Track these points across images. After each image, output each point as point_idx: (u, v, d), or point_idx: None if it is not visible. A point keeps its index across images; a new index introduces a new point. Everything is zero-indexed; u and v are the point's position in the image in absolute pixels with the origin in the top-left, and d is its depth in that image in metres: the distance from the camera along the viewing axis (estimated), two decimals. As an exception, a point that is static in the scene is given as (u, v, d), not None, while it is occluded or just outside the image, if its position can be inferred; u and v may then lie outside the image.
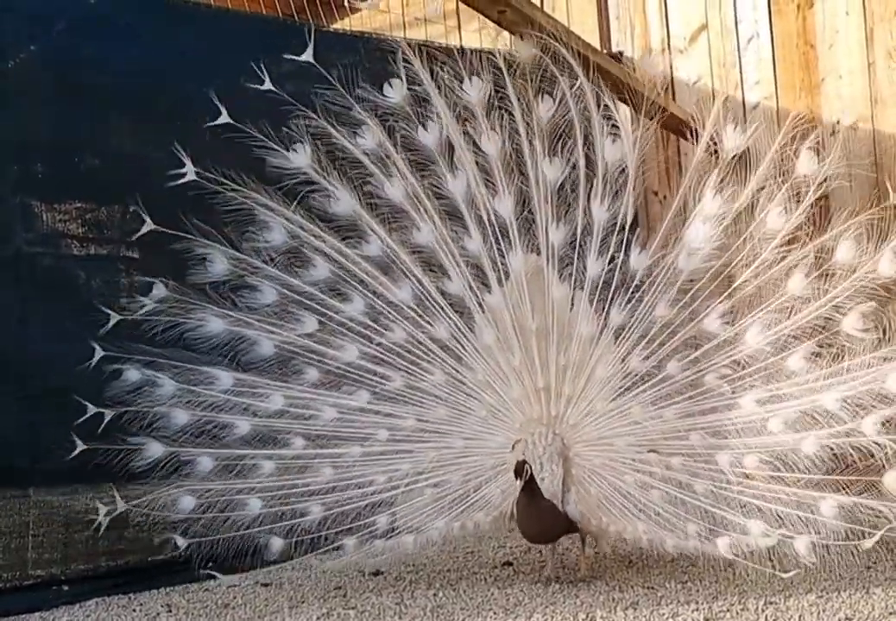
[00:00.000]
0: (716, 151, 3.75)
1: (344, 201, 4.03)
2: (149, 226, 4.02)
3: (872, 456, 3.37)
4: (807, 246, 3.58)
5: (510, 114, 3.95)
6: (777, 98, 5.22)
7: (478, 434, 3.94)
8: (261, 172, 3.98)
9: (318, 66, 3.95)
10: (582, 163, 3.88)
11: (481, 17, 4.34)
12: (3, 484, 3.93)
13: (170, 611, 3.75)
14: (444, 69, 3.96)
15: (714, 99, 3.80)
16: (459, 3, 4.73)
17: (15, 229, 4.03)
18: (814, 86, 5.13)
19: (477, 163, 3.97)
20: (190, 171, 3.98)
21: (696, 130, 3.80)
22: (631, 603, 3.48)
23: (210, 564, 3.99)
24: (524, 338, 3.89)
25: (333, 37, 4.72)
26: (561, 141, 3.91)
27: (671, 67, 5.52)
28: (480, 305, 3.96)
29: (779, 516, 3.47)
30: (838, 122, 4.98)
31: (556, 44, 3.89)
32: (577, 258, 3.87)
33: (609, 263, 3.84)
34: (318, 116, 3.97)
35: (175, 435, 3.92)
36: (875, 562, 3.72)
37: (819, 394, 3.49)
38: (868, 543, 3.32)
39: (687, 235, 3.76)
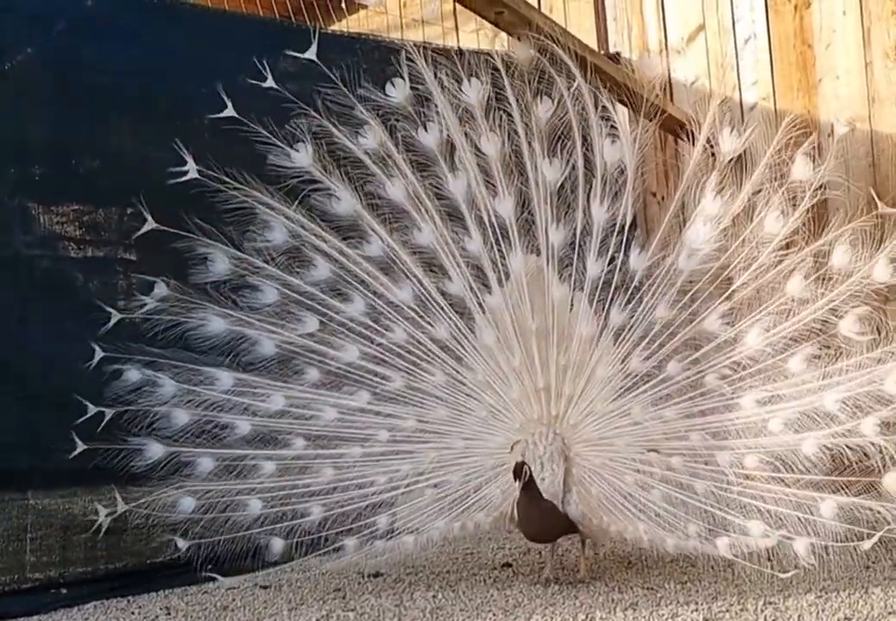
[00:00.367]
0: (713, 153, 3.76)
1: (345, 201, 4.03)
2: (150, 224, 4.02)
3: (869, 457, 3.38)
4: (804, 250, 3.59)
5: (509, 115, 3.95)
6: (774, 98, 5.23)
7: (478, 434, 3.94)
8: (262, 172, 3.98)
9: (320, 64, 3.95)
10: (581, 163, 3.89)
11: (478, 18, 4.34)
12: (2, 486, 3.92)
13: (169, 614, 3.75)
14: (443, 70, 3.96)
15: (711, 100, 3.78)
16: (457, 4, 4.73)
17: (14, 231, 4.02)
18: (811, 86, 5.13)
19: (477, 164, 3.97)
20: (192, 169, 3.98)
21: (692, 132, 3.80)
22: (630, 604, 3.48)
23: (210, 566, 3.98)
24: (524, 338, 3.90)
25: (331, 38, 4.71)
26: (560, 142, 3.91)
27: (668, 68, 5.52)
28: (481, 306, 3.96)
29: (778, 517, 3.47)
30: (836, 119, 4.98)
31: (554, 45, 3.89)
32: (577, 259, 3.88)
33: (609, 264, 3.84)
34: (320, 116, 3.97)
35: (175, 435, 3.92)
36: (874, 562, 3.72)
37: (818, 396, 3.49)
38: (867, 544, 3.32)
39: (687, 236, 3.77)
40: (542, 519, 3.69)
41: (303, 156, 4.01)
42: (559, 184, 3.90)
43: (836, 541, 3.34)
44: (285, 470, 3.98)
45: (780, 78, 5.22)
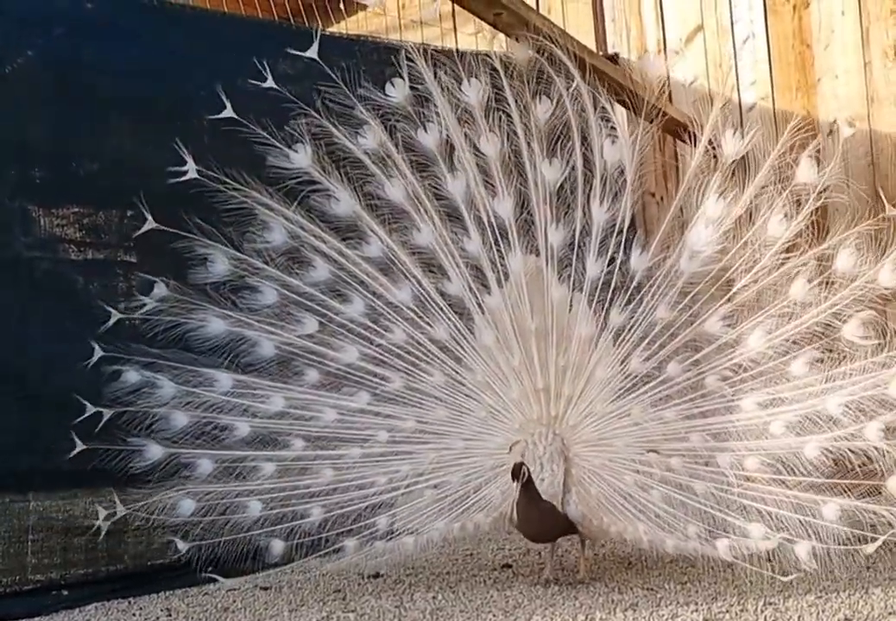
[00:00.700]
0: (715, 155, 3.76)
1: (344, 202, 4.03)
2: (150, 224, 4.02)
3: (872, 461, 3.38)
4: (806, 253, 3.60)
5: (508, 115, 3.95)
6: (773, 98, 5.22)
7: (477, 435, 3.94)
8: (261, 172, 3.98)
9: (320, 63, 3.95)
10: (580, 164, 3.89)
11: (477, 19, 4.34)
12: (3, 488, 3.92)
13: (169, 615, 3.74)
14: (443, 71, 3.96)
15: (711, 100, 3.79)
16: (455, 5, 4.74)
17: (14, 233, 4.02)
18: (810, 86, 5.13)
19: (477, 164, 3.97)
20: (191, 170, 3.98)
21: (693, 134, 3.80)
22: (630, 605, 3.48)
23: (210, 568, 3.98)
24: (523, 338, 3.90)
25: (330, 40, 4.71)
26: (559, 142, 3.91)
27: (667, 68, 5.51)
28: (480, 306, 3.96)
29: (779, 519, 3.47)
30: (835, 122, 4.98)
31: (552, 46, 3.89)
32: (577, 259, 3.88)
33: (608, 264, 3.84)
34: (320, 117, 3.98)
35: (175, 436, 3.92)
36: (874, 563, 3.73)
37: (821, 399, 3.49)
38: (870, 548, 3.33)
39: (689, 238, 3.77)
40: (542, 519, 3.69)
41: (302, 157, 4.01)
42: (558, 184, 3.91)
43: (838, 544, 3.34)
44: (285, 471, 3.98)
45: (779, 78, 5.21)
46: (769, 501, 3.51)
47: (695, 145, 3.79)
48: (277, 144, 3.97)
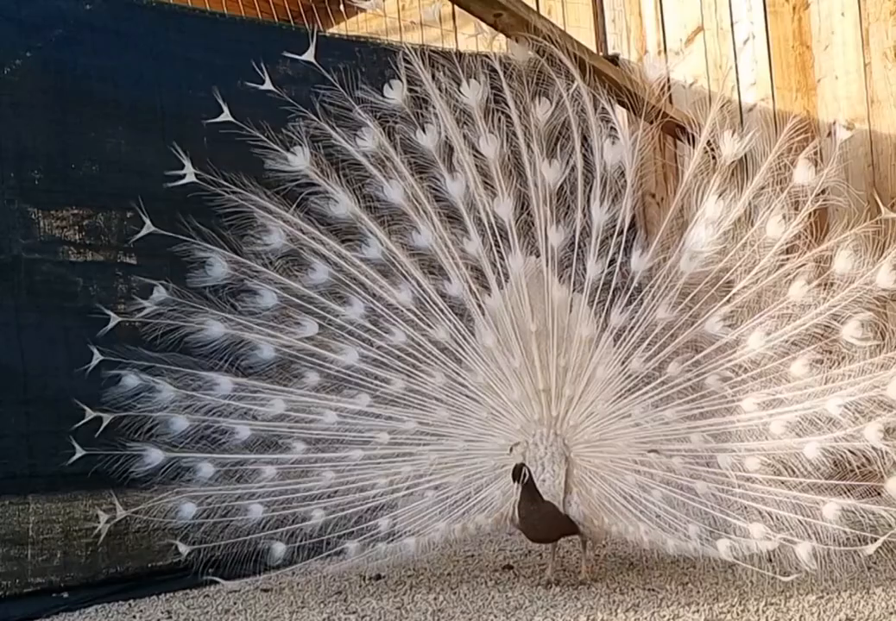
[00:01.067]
0: (714, 156, 3.76)
1: (343, 204, 4.03)
2: (148, 228, 4.02)
3: (871, 462, 3.38)
4: (805, 255, 3.59)
5: (508, 116, 3.95)
6: (773, 99, 5.22)
7: (479, 436, 3.95)
8: (260, 175, 3.98)
9: (318, 66, 3.96)
10: (580, 165, 3.89)
11: (477, 20, 4.33)
12: (3, 491, 3.92)
13: (170, 618, 3.75)
14: (442, 72, 3.96)
15: (711, 101, 3.79)
16: (455, 6, 4.73)
17: (13, 236, 4.02)
18: (810, 87, 5.13)
19: (476, 165, 3.97)
20: (189, 173, 3.98)
21: (692, 136, 3.80)
22: (632, 605, 3.48)
23: (211, 570, 3.98)
24: (524, 339, 3.90)
25: (330, 41, 4.71)
26: (559, 143, 3.91)
27: (667, 70, 5.51)
28: (480, 307, 3.96)
29: (780, 520, 3.47)
30: (834, 123, 4.98)
31: (552, 47, 3.89)
32: (577, 260, 3.88)
33: (609, 265, 3.84)
34: (318, 119, 3.98)
35: (175, 440, 3.92)
36: (875, 563, 3.70)
37: (821, 400, 3.49)
38: (870, 549, 3.33)
39: (689, 238, 3.77)
40: (543, 520, 3.69)
41: (300, 160, 4.01)
42: (558, 185, 3.90)
43: (839, 545, 3.34)
44: (286, 474, 3.98)
45: (779, 79, 5.20)
46: (769, 502, 3.51)
47: (694, 146, 3.79)
48: (276, 147, 3.96)
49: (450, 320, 3.97)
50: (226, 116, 4.00)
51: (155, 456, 3.91)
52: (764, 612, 3.30)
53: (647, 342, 3.80)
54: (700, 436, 3.71)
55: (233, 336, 4.00)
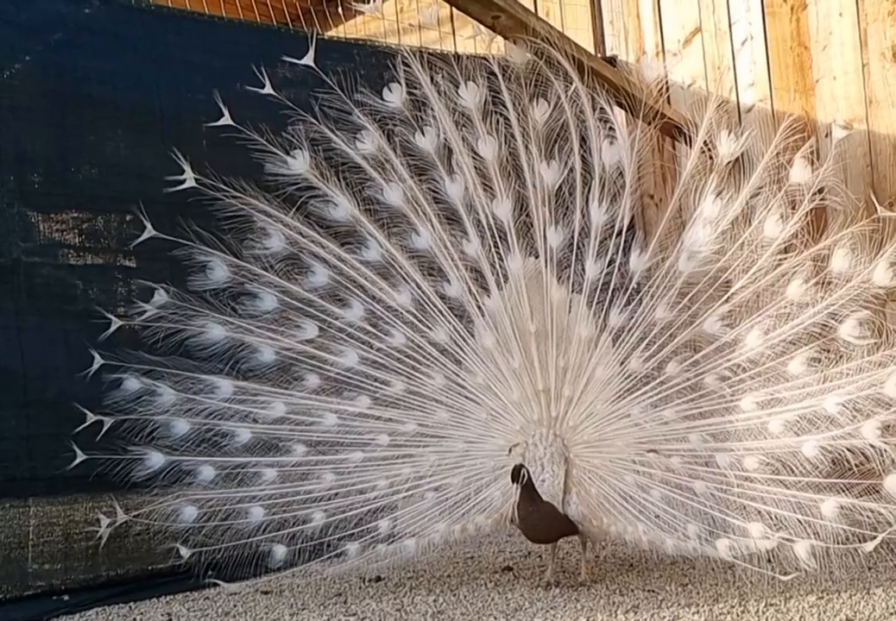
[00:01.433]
0: (711, 156, 3.77)
1: (342, 206, 4.04)
2: (149, 232, 4.03)
3: (870, 460, 3.38)
4: (803, 254, 3.60)
5: (506, 118, 3.96)
6: (772, 100, 5.22)
7: (478, 437, 3.95)
8: (259, 179, 3.99)
9: (317, 70, 3.97)
10: (579, 166, 3.89)
11: (475, 22, 4.34)
12: (3, 494, 3.92)
13: (170, 620, 3.74)
14: (440, 74, 3.97)
15: (709, 102, 3.79)
16: (453, 9, 4.74)
17: (13, 239, 4.03)
18: (808, 87, 5.12)
19: (475, 167, 3.98)
20: (189, 178, 3.99)
21: (689, 136, 3.81)
22: (632, 607, 3.48)
23: (210, 572, 3.99)
24: (523, 340, 3.91)
25: (328, 44, 4.72)
26: (557, 144, 3.92)
27: (665, 71, 5.51)
28: (480, 309, 3.97)
29: (779, 518, 3.47)
30: (834, 121, 4.97)
31: (551, 48, 3.90)
32: (576, 261, 3.88)
33: (608, 266, 3.85)
34: (318, 122, 3.98)
35: (176, 444, 3.93)
36: (875, 563, 3.71)
37: (819, 399, 3.50)
38: (870, 546, 3.32)
39: (687, 238, 3.77)
40: (542, 520, 3.69)
41: (300, 163, 4.02)
42: (557, 186, 3.91)
43: (838, 543, 3.34)
44: (286, 476, 3.99)
45: (777, 80, 5.20)
46: (768, 500, 3.51)
47: (691, 146, 3.79)
48: (275, 150, 3.97)
49: (449, 322, 3.98)
50: (226, 120, 4.01)
51: (156, 459, 3.92)
52: (764, 613, 3.30)
53: (645, 342, 3.80)
54: (699, 436, 3.71)
55: (233, 339, 4.00)
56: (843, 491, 3.40)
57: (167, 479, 3.92)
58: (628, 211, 3.86)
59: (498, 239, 3.95)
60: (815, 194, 3.60)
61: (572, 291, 3.89)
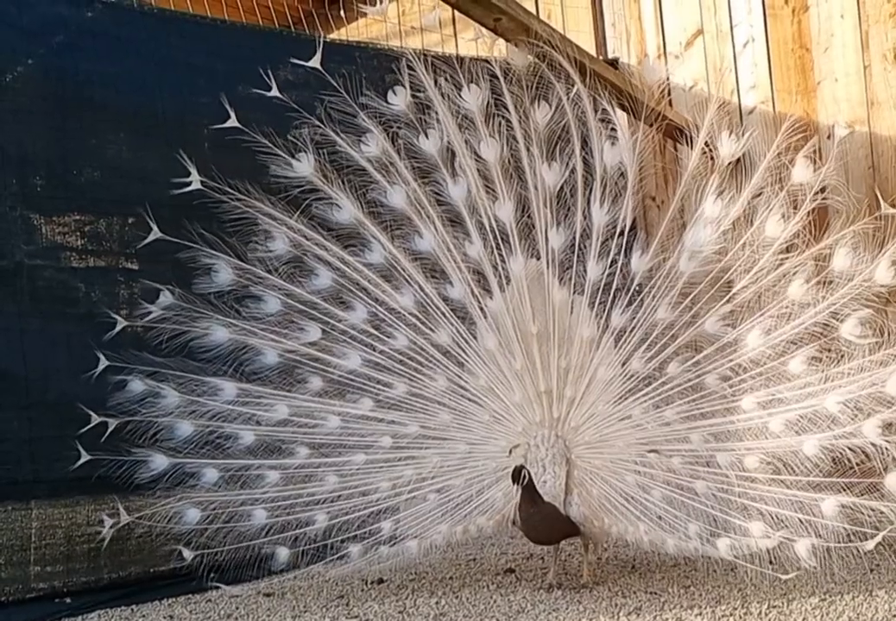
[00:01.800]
0: (712, 157, 3.77)
1: (346, 209, 4.05)
2: (155, 234, 4.04)
3: (870, 458, 3.38)
4: (804, 253, 3.60)
5: (508, 120, 3.96)
6: (773, 102, 5.22)
7: (481, 438, 3.96)
8: (262, 181, 4.00)
9: (324, 73, 3.98)
10: (580, 167, 3.90)
11: (477, 25, 4.34)
12: (5, 497, 3.92)
13: (172, 622, 3.76)
14: (443, 77, 3.98)
15: (710, 104, 3.79)
16: (455, 12, 4.74)
17: (15, 242, 4.03)
18: (810, 89, 5.12)
19: (477, 169, 3.98)
20: (195, 180, 4.00)
21: (690, 138, 3.81)
22: (634, 609, 3.48)
23: (213, 575, 3.99)
24: (525, 342, 3.91)
25: (331, 47, 4.71)
26: (559, 146, 3.92)
27: (667, 73, 5.51)
28: (482, 310, 3.97)
29: (779, 518, 3.47)
30: (836, 122, 4.98)
31: (552, 51, 3.91)
32: (577, 262, 3.89)
33: (609, 267, 3.85)
34: (322, 125, 3.99)
35: (179, 446, 3.93)
36: (878, 565, 3.71)
37: (820, 398, 3.50)
38: (870, 544, 3.32)
39: (688, 238, 3.78)
40: (544, 521, 3.69)
41: (304, 166, 4.03)
42: (558, 187, 3.91)
43: (838, 542, 3.33)
44: (289, 479, 4.00)
45: (779, 81, 5.20)
46: (769, 500, 3.51)
47: (692, 148, 3.79)
48: (279, 152, 3.98)
49: (452, 324, 3.99)
50: (233, 122, 4.01)
51: (159, 461, 3.93)
52: (766, 615, 3.30)
53: (647, 343, 3.81)
54: (700, 436, 3.72)
55: (237, 341, 4.01)
56: (844, 489, 3.40)
57: (170, 482, 3.92)
58: (630, 212, 3.87)
59: (500, 240, 3.96)
60: (816, 194, 3.60)
61: (574, 292, 3.89)
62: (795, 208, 3.62)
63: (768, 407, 3.60)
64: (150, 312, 4.01)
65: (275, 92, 4.04)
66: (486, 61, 4.03)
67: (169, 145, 4.15)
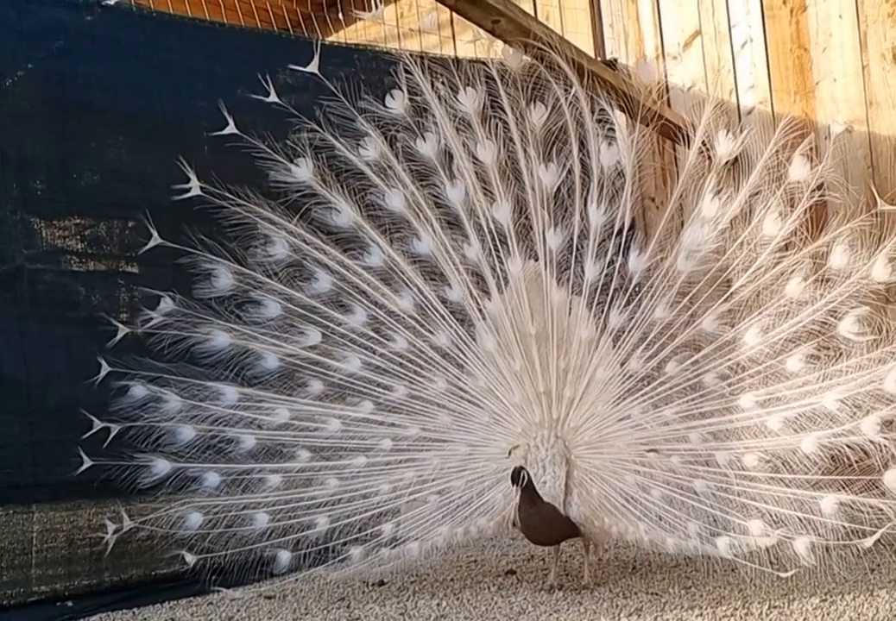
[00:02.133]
0: (709, 156, 3.77)
1: (345, 213, 4.05)
2: (155, 240, 4.05)
3: (869, 456, 3.37)
4: (801, 251, 3.60)
5: (505, 122, 3.96)
6: (772, 102, 5.22)
7: (481, 440, 3.96)
8: (261, 184, 4.00)
9: (322, 78, 3.98)
10: (578, 168, 3.90)
11: (475, 27, 4.35)
12: (6, 500, 3.93)
13: (174, 625, 3.76)
14: (440, 80, 3.98)
15: (707, 103, 3.79)
16: (453, 13, 4.75)
17: (16, 246, 4.04)
18: (808, 89, 5.13)
19: (475, 171, 3.99)
20: (195, 186, 4.01)
21: (688, 136, 3.81)
22: (635, 610, 3.47)
23: (214, 578, 3.99)
24: (524, 343, 3.92)
25: (329, 49, 4.73)
26: (555, 147, 3.92)
27: (665, 74, 5.52)
28: (481, 312, 3.98)
29: (778, 516, 3.46)
30: (832, 122, 4.97)
31: (551, 52, 3.91)
32: (575, 262, 3.89)
33: (608, 267, 3.85)
34: (321, 128, 4.00)
35: (181, 450, 3.94)
36: (879, 565, 3.71)
37: (818, 395, 3.49)
38: (869, 542, 3.31)
39: (685, 237, 3.78)
40: (543, 521, 3.69)
41: (303, 171, 4.04)
42: (555, 188, 3.92)
43: (837, 540, 3.33)
44: (291, 482, 4.00)
45: (777, 82, 5.20)
46: (768, 498, 3.50)
47: (689, 147, 3.79)
48: (277, 157, 3.98)
49: (451, 326, 3.99)
50: (231, 129, 4.02)
51: (162, 466, 3.93)
52: (768, 615, 3.29)
53: (646, 342, 3.81)
54: (699, 435, 3.72)
55: (238, 346, 4.03)
56: (843, 487, 3.39)
57: (173, 486, 3.92)
58: (629, 212, 3.87)
59: (498, 242, 3.96)
60: (813, 191, 3.60)
61: (572, 293, 3.89)
62: (792, 206, 3.62)
63: (767, 405, 3.60)
64: (151, 319, 4.01)
65: (273, 97, 4.05)
66: (483, 63, 4.03)
67: (168, 148, 4.17)
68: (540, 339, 3.90)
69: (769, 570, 3.40)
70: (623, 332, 3.84)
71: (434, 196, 4.04)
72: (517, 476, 3.60)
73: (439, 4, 4.37)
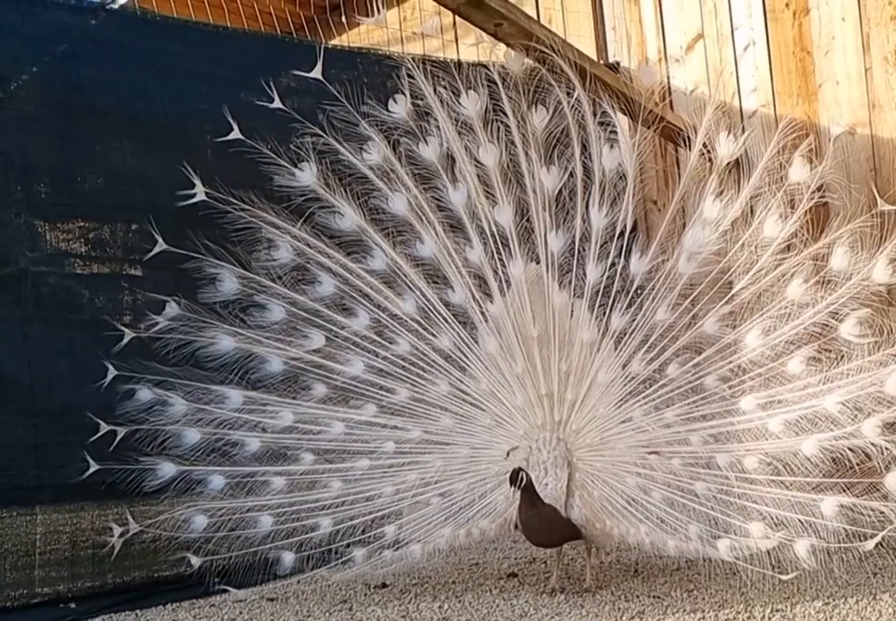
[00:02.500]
0: (710, 158, 3.78)
1: (348, 217, 4.07)
2: (160, 246, 4.06)
3: (871, 458, 3.37)
4: (802, 253, 3.60)
5: (506, 125, 3.97)
6: (774, 105, 5.22)
7: (483, 442, 3.96)
8: (264, 187, 4.02)
9: (325, 83, 4.00)
10: (580, 170, 3.90)
11: (478, 30, 4.36)
12: (10, 502, 3.94)
13: (176, 627, 3.78)
14: (443, 84, 3.99)
15: (708, 106, 3.79)
16: (456, 17, 4.76)
17: (20, 249, 4.05)
18: (811, 92, 5.12)
19: (477, 174, 3.99)
20: (199, 191, 4.02)
21: (689, 139, 3.81)
22: (637, 613, 3.47)
23: (217, 579, 4.01)
24: (526, 345, 3.92)
25: (332, 53, 4.73)
26: (557, 150, 3.93)
27: (668, 76, 5.52)
28: (483, 315, 3.98)
29: (779, 518, 3.46)
30: (832, 123, 4.97)
31: (553, 55, 3.92)
32: (577, 265, 3.89)
33: (609, 269, 3.85)
34: (324, 132, 4.01)
35: (186, 453, 3.95)
36: (882, 568, 3.70)
37: (819, 398, 3.48)
38: (870, 544, 3.30)
39: (687, 239, 3.78)
40: (543, 523, 3.69)
41: (307, 175, 4.05)
42: (557, 190, 3.92)
43: (838, 543, 3.32)
44: (295, 485, 4.01)
45: (780, 85, 5.20)
46: (769, 501, 3.49)
47: (691, 150, 3.80)
48: (280, 161, 4.00)
49: (453, 328, 4.00)
50: (235, 134, 4.04)
51: (167, 469, 3.95)
52: (770, 618, 3.28)
53: (647, 345, 3.81)
54: (700, 438, 3.71)
55: (242, 350, 4.04)
56: (844, 490, 3.38)
57: (178, 489, 3.94)
58: (630, 214, 3.87)
59: (500, 245, 3.97)
60: (814, 193, 3.60)
61: (574, 295, 3.90)
62: (793, 208, 3.62)
63: (768, 407, 3.60)
64: (157, 323, 4.02)
65: (277, 103, 4.07)
66: (485, 66, 4.04)
67: (171, 152, 4.19)
68: (542, 342, 3.90)
69: (770, 573, 3.39)
70: (625, 335, 3.84)
71: (436, 199, 4.05)
72: (515, 477, 3.60)
73: (442, 8, 4.38)
